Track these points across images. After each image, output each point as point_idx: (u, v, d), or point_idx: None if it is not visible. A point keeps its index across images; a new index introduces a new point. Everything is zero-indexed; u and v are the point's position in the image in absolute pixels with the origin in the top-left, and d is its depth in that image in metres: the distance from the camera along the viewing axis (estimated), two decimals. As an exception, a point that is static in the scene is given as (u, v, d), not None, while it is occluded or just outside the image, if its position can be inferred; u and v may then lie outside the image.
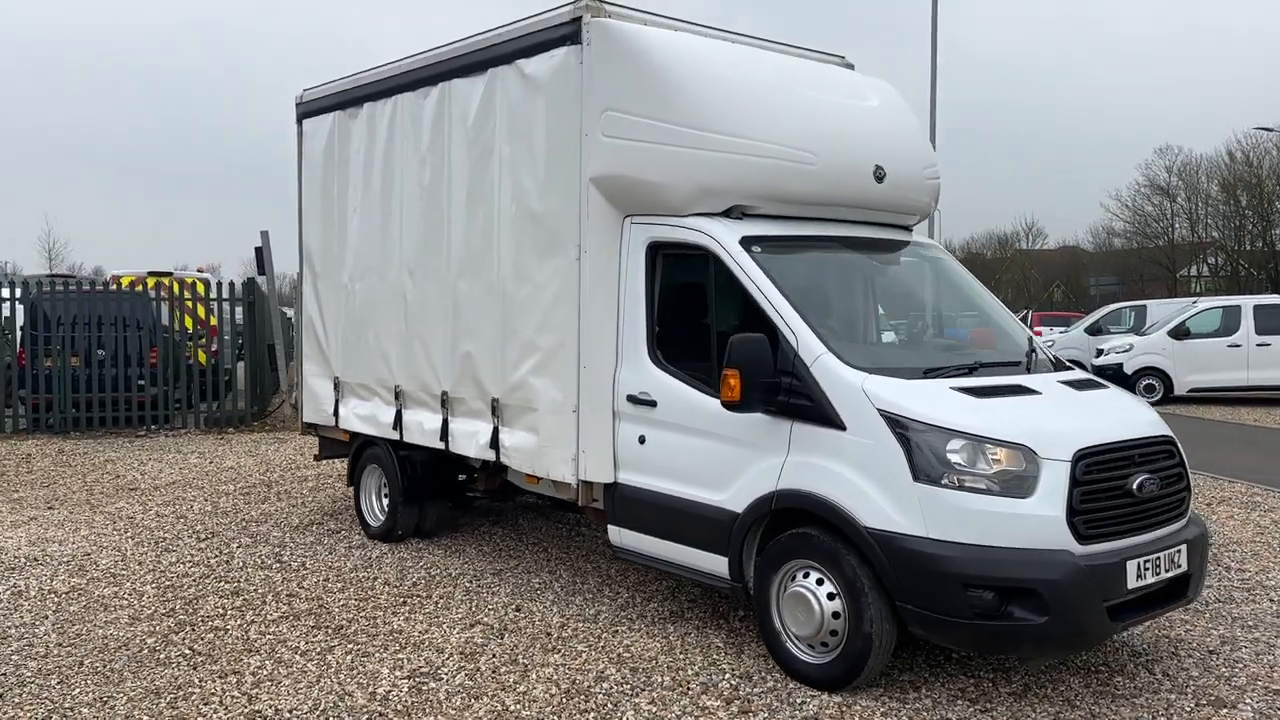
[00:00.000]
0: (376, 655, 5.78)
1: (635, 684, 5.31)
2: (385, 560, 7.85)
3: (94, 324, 15.88)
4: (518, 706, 5.04)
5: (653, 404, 6.01)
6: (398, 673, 5.50)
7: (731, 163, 5.80)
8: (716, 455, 5.70)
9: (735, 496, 5.54)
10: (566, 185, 6.36)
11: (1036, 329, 29.32)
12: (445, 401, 7.55)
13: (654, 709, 5.00)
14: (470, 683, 5.35)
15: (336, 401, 8.86)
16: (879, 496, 4.92)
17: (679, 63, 5.97)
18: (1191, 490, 5.45)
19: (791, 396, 5.29)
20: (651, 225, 6.08)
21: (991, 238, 77.14)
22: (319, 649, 5.89)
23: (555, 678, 5.40)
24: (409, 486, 8.15)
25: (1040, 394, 5.29)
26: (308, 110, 9.16)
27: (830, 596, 5.13)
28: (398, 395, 8.06)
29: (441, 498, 8.34)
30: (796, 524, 5.32)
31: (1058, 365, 6.16)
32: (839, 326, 5.83)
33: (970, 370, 5.52)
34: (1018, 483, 4.78)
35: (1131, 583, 4.89)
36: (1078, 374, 5.92)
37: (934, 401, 5.00)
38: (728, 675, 5.43)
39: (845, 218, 6.26)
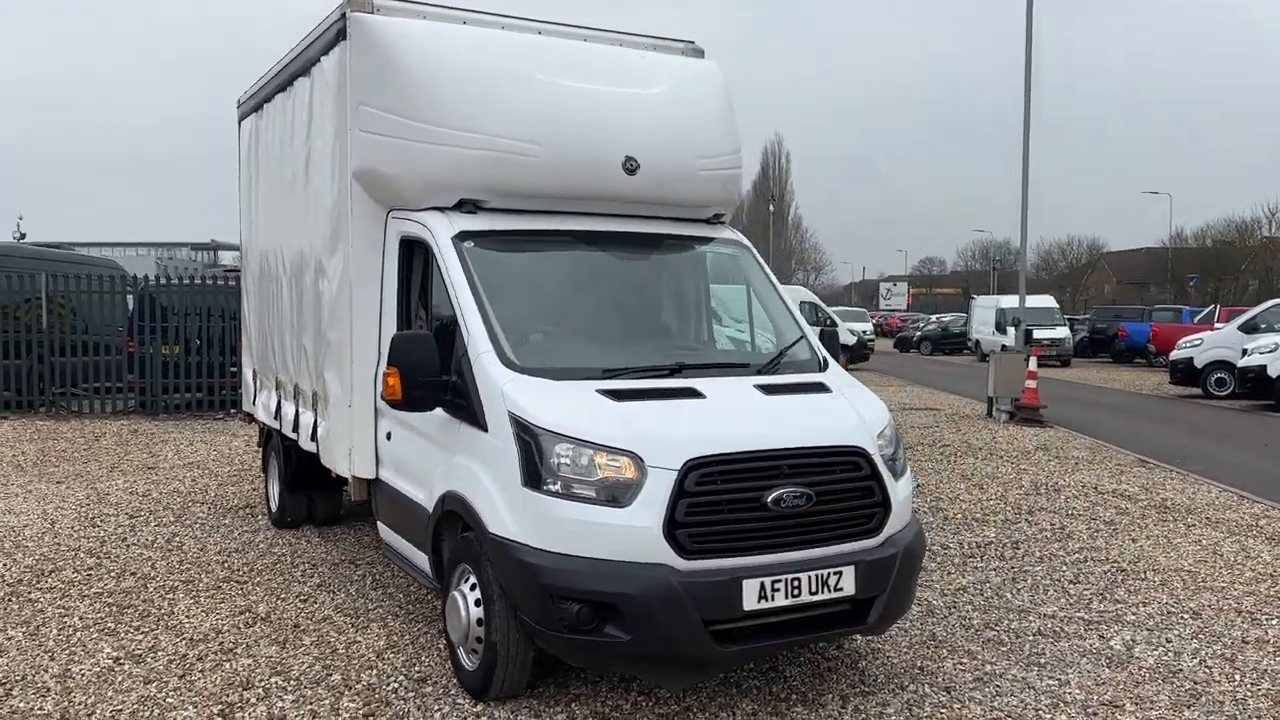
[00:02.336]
0: (123, 633, 6.05)
1: (305, 681, 5.32)
2: (259, 545, 8.16)
3: (193, 315, 17.23)
4: (174, 696, 5.15)
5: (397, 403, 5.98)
6: (113, 653, 5.74)
7: (454, 156, 5.68)
8: (422, 452, 5.63)
9: (429, 495, 5.45)
10: (341, 180, 6.41)
11: (1219, 325, 26.60)
12: (295, 394, 7.78)
13: (286, 707, 4.99)
14: (160, 668, 5.51)
15: (255, 391, 9.28)
16: (500, 501, 4.73)
17: (417, 55, 5.89)
18: (891, 507, 4.89)
19: (455, 396, 5.15)
20: (400, 220, 6.05)
21: (1230, 224, 70.66)
22: (82, 623, 6.22)
23: (238, 671, 5.48)
24: (292, 477, 8.43)
25: (705, 398, 4.89)
26: (243, 112, 9.61)
27: (477, 603, 4.96)
28: (278, 387, 8.37)
29: (326, 489, 8.57)
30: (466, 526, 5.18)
31: (822, 367, 5.67)
32: (543, 326, 5.60)
33: (672, 372, 5.18)
34: (620, 491, 4.46)
35: (751, 604, 4.46)
36: (798, 378, 5.42)
37: (560, 405, 4.73)
38: (404, 679, 5.34)
39: (597, 210, 5.99)
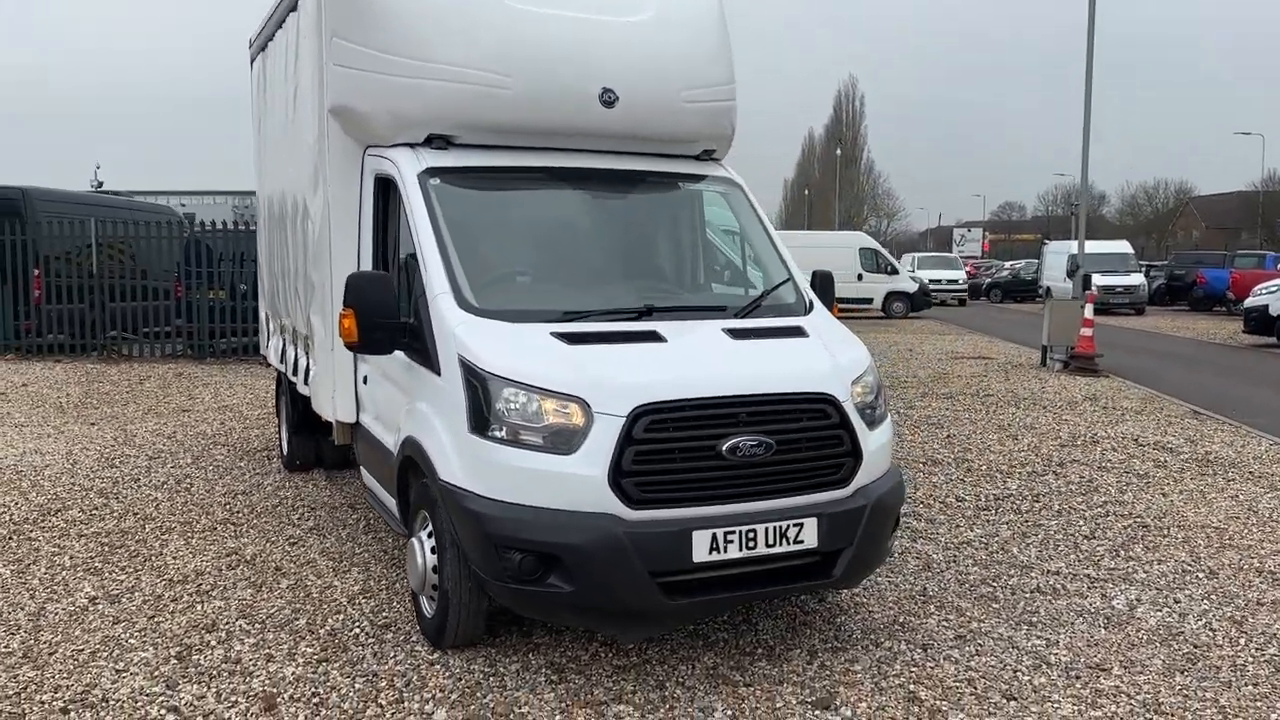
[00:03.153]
0: (107, 573, 6.08)
1: (270, 625, 5.27)
2: (266, 488, 8.18)
3: (238, 260, 17.37)
4: (137, 638, 5.15)
5: (369, 344, 5.86)
6: (92, 593, 5.76)
7: (422, 89, 5.46)
8: (390, 396, 5.51)
9: (395, 439, 5.33)
10: (319, 116, 6.25)
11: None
12: (294, 337, 7.72)
13: (244, 651, 4.95)
14: (133, 609, 5.52)
15: (268, 335, 9.27)
16: (450, 447, 4.57)
17: (387, -17, 5.67)
18: (861, 457, 4.62)
19: (413, 339, 5.00)
20: (375, 158, 5.87)
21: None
22: (71, 563, 6.27)
23: (206, 613, 5.46)
24: (299, 420, 8.41)
25: (665, 342, 4.66)
26: (252, 54, 9.49)
27: (433, 550, 4.84)
28: (282, 330, 8.33)
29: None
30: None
31: (807, 311, 5.39)
32: (508, 268, 5.39)
33: (639, 315, 4.94)
34: (566, 438, 4.27)
35: (702, 555, 4.25)
36: (775, 323, 5.13)
37: (509, 348, 4.54)
38: (369, 624, 5.26)
39: (575, 146, 5.74)
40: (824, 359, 4.80)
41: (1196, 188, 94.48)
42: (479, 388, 4.43)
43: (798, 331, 5.05)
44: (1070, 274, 33.98)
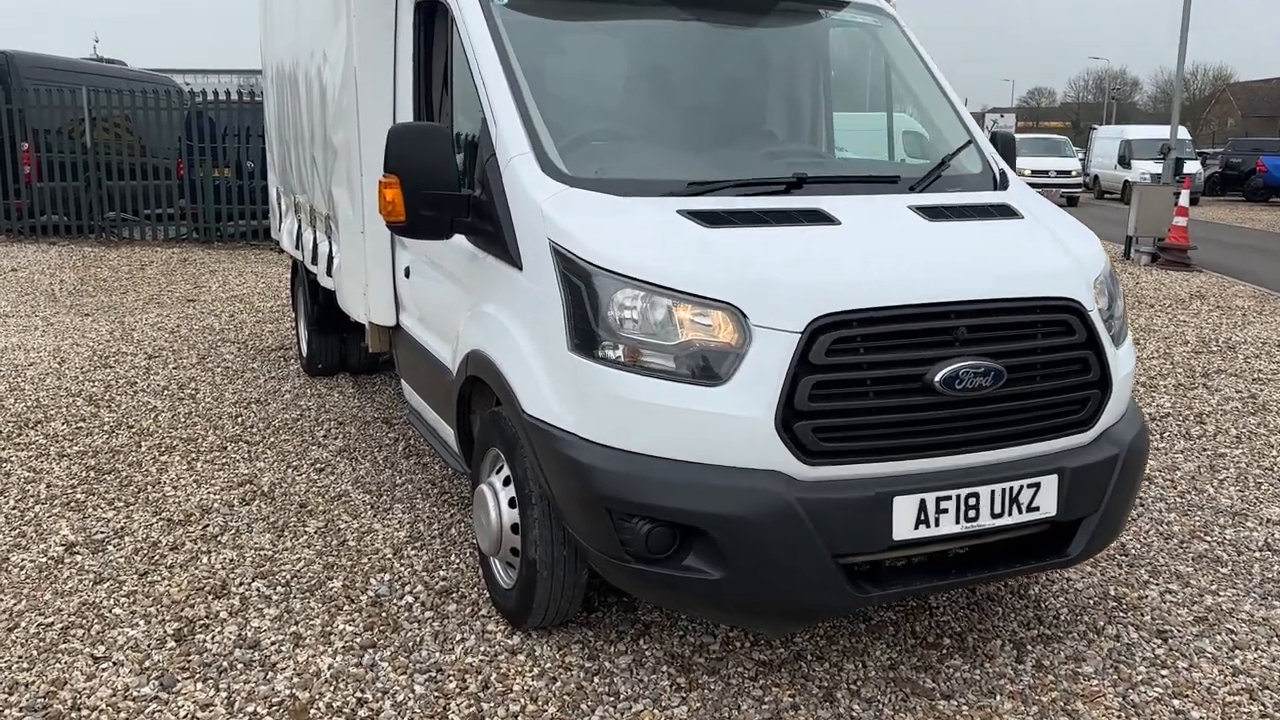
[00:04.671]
0: (90, 509, 4.89)
1: (296, 589, 4.08)
2: (284, 396, 6.95)
3: (245, 135, 15.87)
4: (123, 605, 3.97)
5: (413, 224, 4.54)
6: (70, 536, 4.57)
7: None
8: (446, 295, 4.22)
9: (454, 351, 4.05)
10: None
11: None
12: (311, 217, 6.38)
13: (263, 629, 3.76)
14: (120, 563, 4.33)
15: (280, 215, 7.93)
16: (539, 370, 3.29)
17: None
18: (1111, 387, 3.33)
19: (479, 217, 3.67)
20: (416, -24, 4.44)
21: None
22: (47, 493, 5.07)
23: (214, 569, 4.27)
24: (320, 316, 7.13)
25: (839, 224, 3.31)
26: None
27: (511, 503, 3.60)
28: (297, 209, 6.98)
29: (362, 331, 7.23)
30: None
31: (999, 184, 4.03)
32: (603, 122, 4.00)
33: (788, 188, 3.59)
34: (712, 362, 2.97)
35: (905, 530, 3.00)
36: (971, 198, 3.78)
37: (624, 232, 3.22)
38: (422, 590, 4.07)
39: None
40: (1056, 250, 3.45)
41: (1236, 73, 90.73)
42: (581, 287, 3.12)
43: (1007, 211, 3.69)
44: (1124, 161, 32.21)
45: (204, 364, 7.86)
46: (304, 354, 7.54)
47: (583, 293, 3.11)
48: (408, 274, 4.70)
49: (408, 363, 4.91)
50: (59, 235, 15.58)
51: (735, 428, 2.92)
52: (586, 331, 3.09)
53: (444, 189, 3.61)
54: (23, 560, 4.32)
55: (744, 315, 2.95)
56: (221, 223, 15.72)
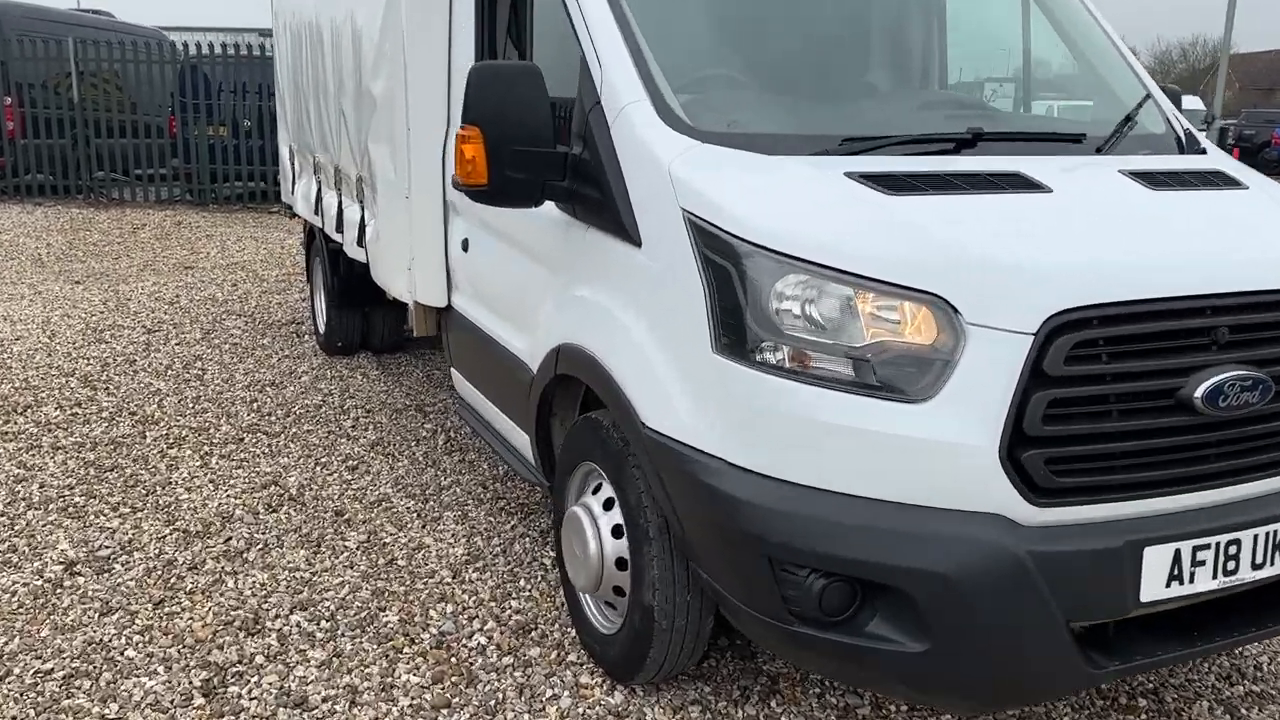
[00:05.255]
0: (91, 517, 4.21)
1: (344, 624, 3.43)
2: (301, 378, 6.26)
3: (242, 91, 15.04)
4: (137, 647, 3.30)
5: (473, 188, 3.84)
6: (70, 552, 3.90)
7: None
8: (522, 274, 3.53)
9: (535, 343, 3.38)
10: None
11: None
12: (336, 179, 5.67)
13: (309, 676, 3.11)
14: (130, 587, 3.66)
15: (293, 176, 7.19)
16: (667, 373, 2.62)
17: None
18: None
19: (579, 181, 2.98)
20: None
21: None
22: (40, 495, 4.39)
23: (243, 596, 3.61)
24: (341, 289, 6.43)
25: (1049, 192, 2.64)
26: None
27: (617, 532, 2.94)
28: (316, 169, 6.26)
29: (388, 306, 6.52)
30: (596, 401, 3.13)
31: (1188, 146, 3.35)
32: (727, 63, 3.29)
33: (958, 146, 2.90)
34: (909, 370, 2.30)
35: (1155, 589, 2.35)
36: (1178, 163, 3.12)
37: (789, 198, 2.54)
38: (494, 626, 3.42)
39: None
40: None
41: (1235, 45, 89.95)
42: (730, 271, 2.44)
43: (1228, 180, 3.02)
44: (1205, 125, 31.46)
45: (209, 340, 7.15)
46: (321, 331, 6.84)
47: (732, 277, 2.44)
48: (465, 247, 4.01)
49: (463, 351, 4.23)
50: (45, 195, 14.75)
51: (943, 458, 2.26)
52: (737, 327, 2.42)
53: (537, 145, 2.92)
54: (14, 583, 3.65)
55: (954, 310, 2.28)
56: (217, 184, 14.92)
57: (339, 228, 5.64)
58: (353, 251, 5.32)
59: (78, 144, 14.85)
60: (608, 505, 2.98)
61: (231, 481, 4.62)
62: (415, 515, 4.29)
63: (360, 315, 6.56)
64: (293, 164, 7.12)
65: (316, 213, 6.27)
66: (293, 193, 7.19)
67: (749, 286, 2.40)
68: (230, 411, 5.61)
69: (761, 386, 2.38)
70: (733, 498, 2.40)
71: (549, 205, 3.13)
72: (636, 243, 2.74)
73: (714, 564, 2.53)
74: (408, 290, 4.44)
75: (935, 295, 2.29)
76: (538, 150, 2.93)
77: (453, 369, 4.39)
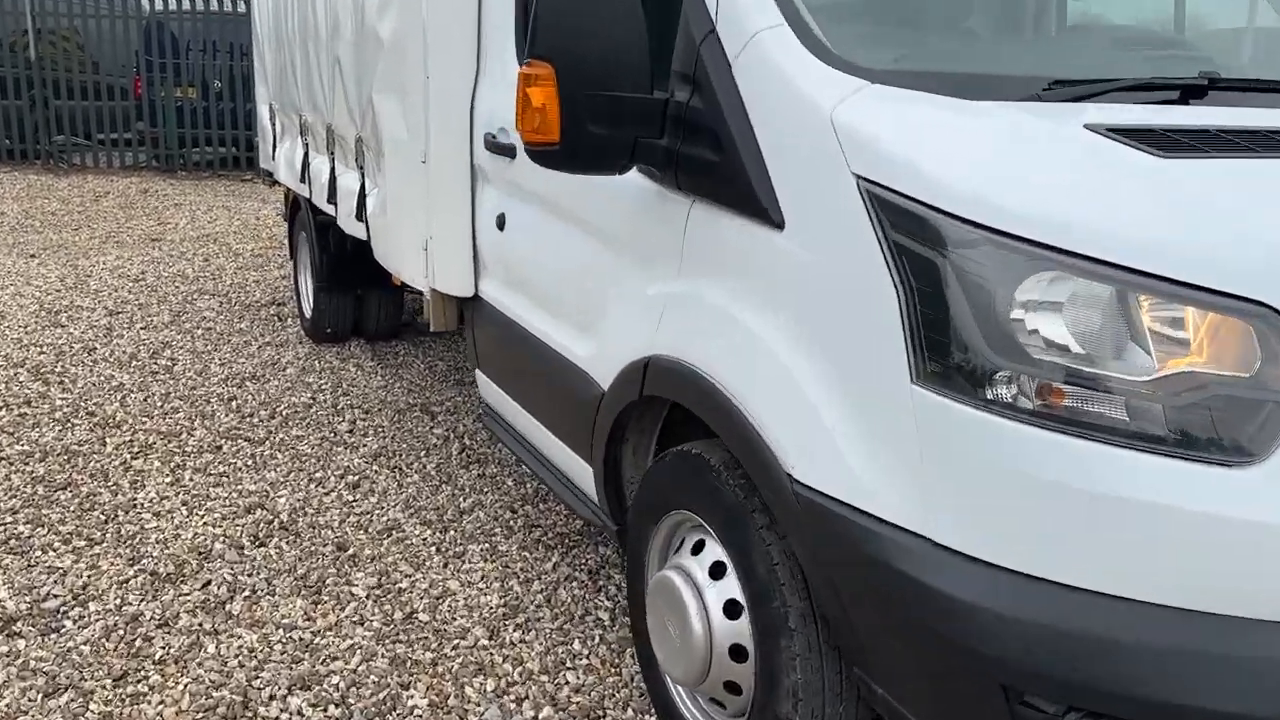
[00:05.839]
0: (36, 555, 3.43)
1: (361, 713, 2.67)
2: (286, 371, 5.46)
3: (213, 50, 14.07)
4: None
5: (513, 150, 3.06)
6: (7, 605, 3.12)
7: None
8: (584, 259, 2.75)
9: (605, 350, 2.61)
10: None
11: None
12: (328, 141, 4.85)
13: (318, 795, 2.36)
14: (85, 657, 2.89)
15: (274, 139, 6.34)
16: (832, 409, 1.86)
17: None
18: None
19: (683, 137, 2.20)
20: None
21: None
22: (-27, 529, 3.60)
23: (229, 667, 2.84)
24: (331, 269, 5.63)
25: None
26: None
27: (732, 609, 2.20)
28: (303, 130, 5.43)
29: (384, 288, 5.70)
30: (692, 429, 2.38)
31: None
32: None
33: (1184, 95, 2.14)
34: (1230, 418, 1.56)
35: None
36: None
37: (1025, 161, 1.78)
38: (544, 709, 2.68)
39: None
40: None
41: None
42: (943, 265, 1.69)
43: None
44: None
45: (179, 323, 6.32)
46: (307, 315, 6.03)
47: (946, 275, 1.68)
48: (501, 224, 3.23)
49: (495, 352, 3.45)
50: (-1, 161, 13.76)
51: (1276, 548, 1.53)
52: (954, 348, 1.67)
53: (631, 88, 2.14)
54: (-67, 651, 2.87)
55: None
56: (185, 149, 13.96)
57: (331, 198, 4.83)
58: (349, 226, 4.52)
59: (35, 106, 13.85)
60: (716, 572, 2.24)
61: (209, 504, 3.84)
62: (434, 549, 3.53)
63: (353, 298, 5.76)
64: (273, 125, 6.28)
65: (303, 181, 5.45)
66: (273, 158, 6.36)
67: (976, 289, 1.65)
68: (205, 411, 4.81)
69: (995, 436, 1.64)
70: (949, 598, 1.66)
71: (634, 174, 2.36)
72: (775, 223, 1.98)
73: (904, 682, 1.80)
74: (422, 275, 3.65)
75: (1264, 305, 1.55)
76: (631, 96, 2.15)
77: (479, 371, 3.61)
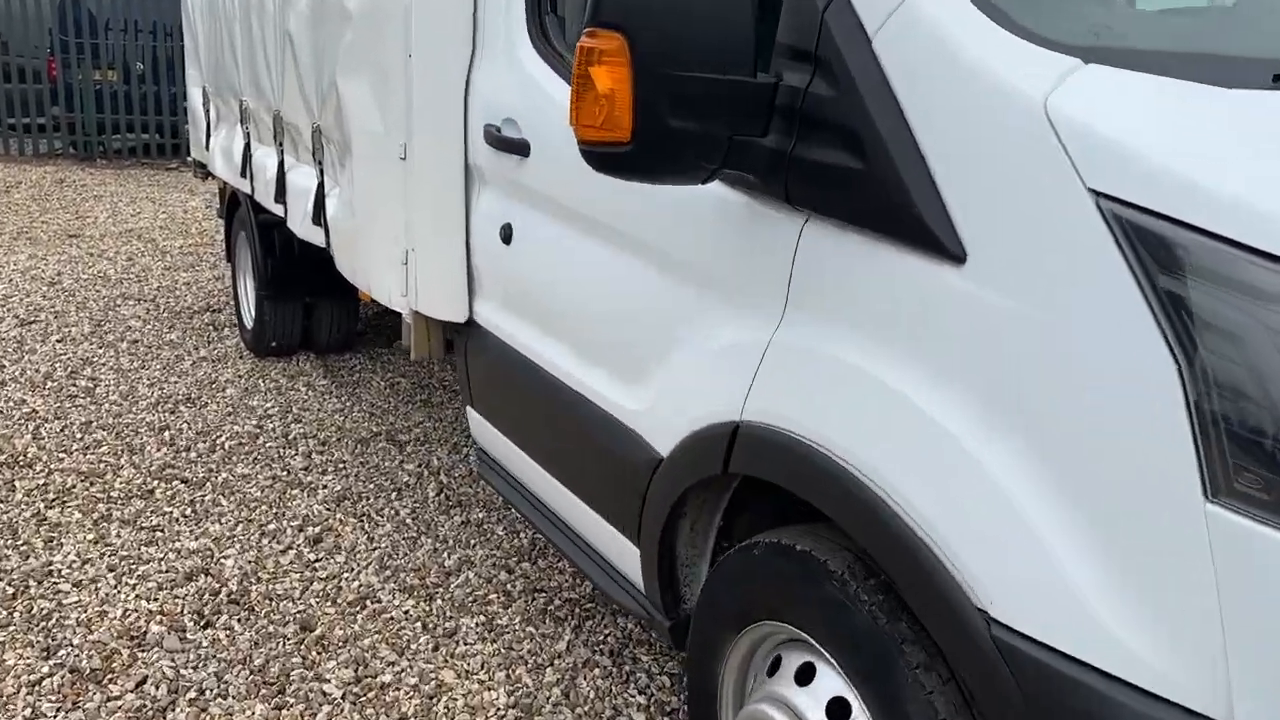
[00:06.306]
0: (-79, 648, 2.75)
1: None
2: (226, 393, 4.78)
3: (135, 30, 13.15)
4: None
5: (525, 147, 2.46)
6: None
7: None
8: (628, 288, 2.16)
9: (660, 407, 2.03)
10: None
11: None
12: (276, 130, 4.18)
13: None
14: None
15: (208, 127, 5.62)
16: (1059, 530, 1.31)
17: None
18: None
19: (800, 134, 1.62)
20: None
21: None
22: None
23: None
24: (278, 273, 4.97)
25: None
26: None
27: (855, 764, 1.64)
28: (244, 118, 4.74)
29: (337, 294, 5.04)
30: (793, 514, 1.82)
31: None
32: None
33: None
34: None
35: None
36: None
37: None
38: None
39: None
40: None
41: None
42: (1250, 326, 1.15)
43: None
44: None
45: (101, 335, 5.59)
46: (248, 326, 5.35)
47: (1257, 342, 1.14)
48: (507, 236, 2.62)
49: (495, 390, 2.84)
50: (-103, 148, 12.68)
51: None
52: (1277, 449, 1.13)
53: (728, 69, 1.57)
54: None
55: None
56: (105, 136, 13.02)
57: (279, 197, 4.18)
58: (304, 231, 3.88)
59: (-63, 88, 12.82)
60: (836, 712, 1.69)
61: (141, 568, 3.19)
62: (419, 625, 2.93)
63: (300, 307, 5.11)
64: (207, 111, 5.56)
65: (243, 175, 4.77)
66: (207, 148, 5.64)
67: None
68: (133, 444, 4.14)
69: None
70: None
71: (717, 185, 1.79)
72: (949, 254, 1.43)
73: None
74: (400, 294, 3.03)
75: None
76: (730, 79, 1.58)
77: (472, 410, 3.00)
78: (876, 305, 1.56)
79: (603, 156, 1.64)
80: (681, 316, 1.97)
